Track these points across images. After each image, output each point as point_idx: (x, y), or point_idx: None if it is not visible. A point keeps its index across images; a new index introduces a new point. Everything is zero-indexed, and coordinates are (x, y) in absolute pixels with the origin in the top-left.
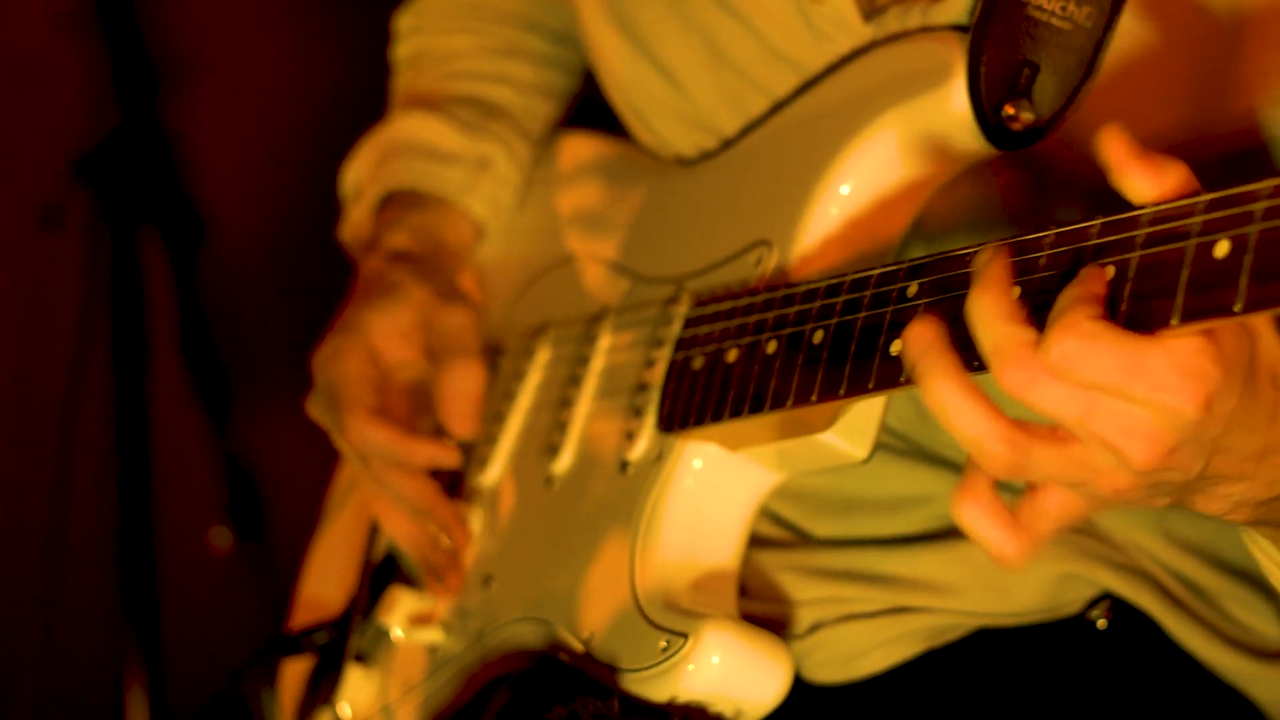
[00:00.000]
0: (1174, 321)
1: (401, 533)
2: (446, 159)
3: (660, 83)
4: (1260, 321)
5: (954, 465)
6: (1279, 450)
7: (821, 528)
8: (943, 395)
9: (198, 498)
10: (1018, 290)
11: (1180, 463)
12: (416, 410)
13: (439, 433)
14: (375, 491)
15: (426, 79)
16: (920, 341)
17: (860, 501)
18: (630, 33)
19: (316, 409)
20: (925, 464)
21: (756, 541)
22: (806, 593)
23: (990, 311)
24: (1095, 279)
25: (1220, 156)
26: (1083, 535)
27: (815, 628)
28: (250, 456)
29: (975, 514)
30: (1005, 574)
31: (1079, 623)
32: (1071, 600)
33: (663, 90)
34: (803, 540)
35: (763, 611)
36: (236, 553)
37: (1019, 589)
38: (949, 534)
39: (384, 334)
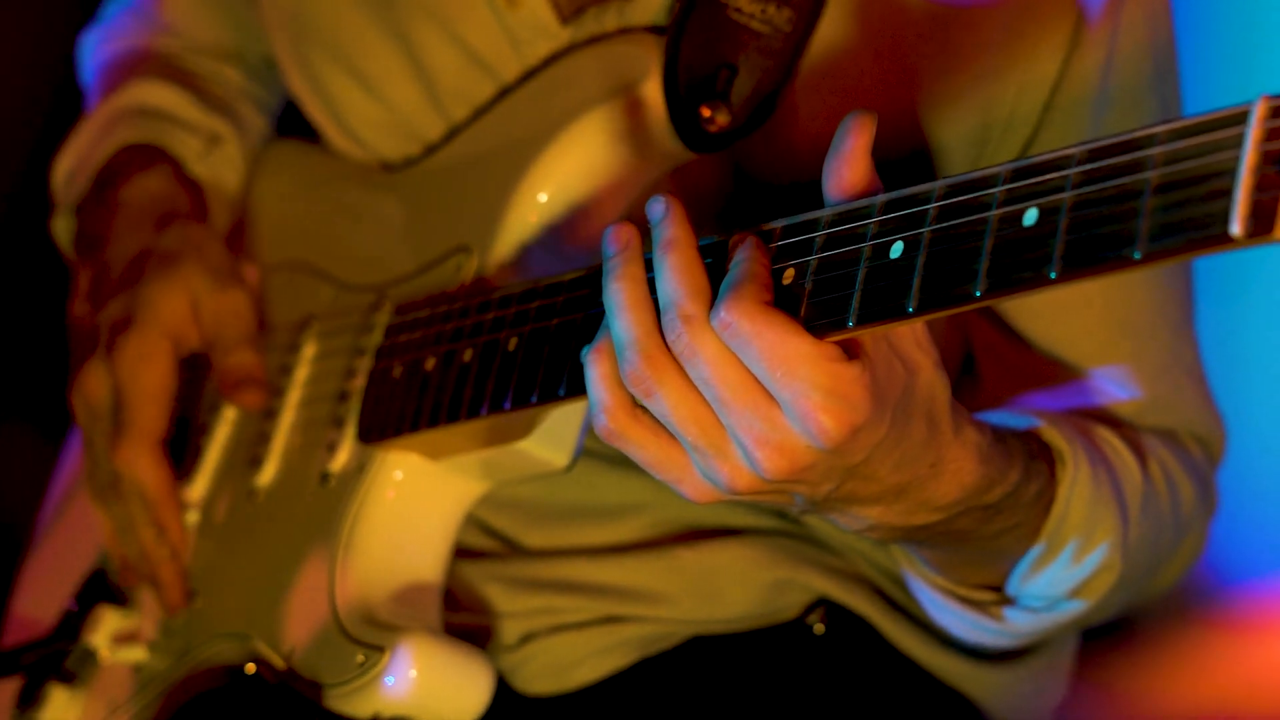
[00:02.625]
0: (851, 323)
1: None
2: (183, 125)
3: (362, 94)
4: (922, 357)
5: None
6: (923, 484)
7: (533, 538)
8: (621, 294)
9: None
10: None
11: (811, 478)
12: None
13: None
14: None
15: (148, 63)
16: (620, 239)
17: (573, 510)
18: (326, 49)
19: (89, 398)
20: (636, 471)
21: (466, 553)
22: (517, 604)
23: (671, 270)
24: (761, 249)
25: (907, 155)
26: (797, 541)
27: (527, 639)
28: None
29: (596, 371)
30: (717, 582)
31: (796, 628)
32: (787, 606)
33: (365, 102)
34: (513, 551)
35: (470, 623)
36: None
37: (731, 596)
38: (661, 543)
39: (179, 321)
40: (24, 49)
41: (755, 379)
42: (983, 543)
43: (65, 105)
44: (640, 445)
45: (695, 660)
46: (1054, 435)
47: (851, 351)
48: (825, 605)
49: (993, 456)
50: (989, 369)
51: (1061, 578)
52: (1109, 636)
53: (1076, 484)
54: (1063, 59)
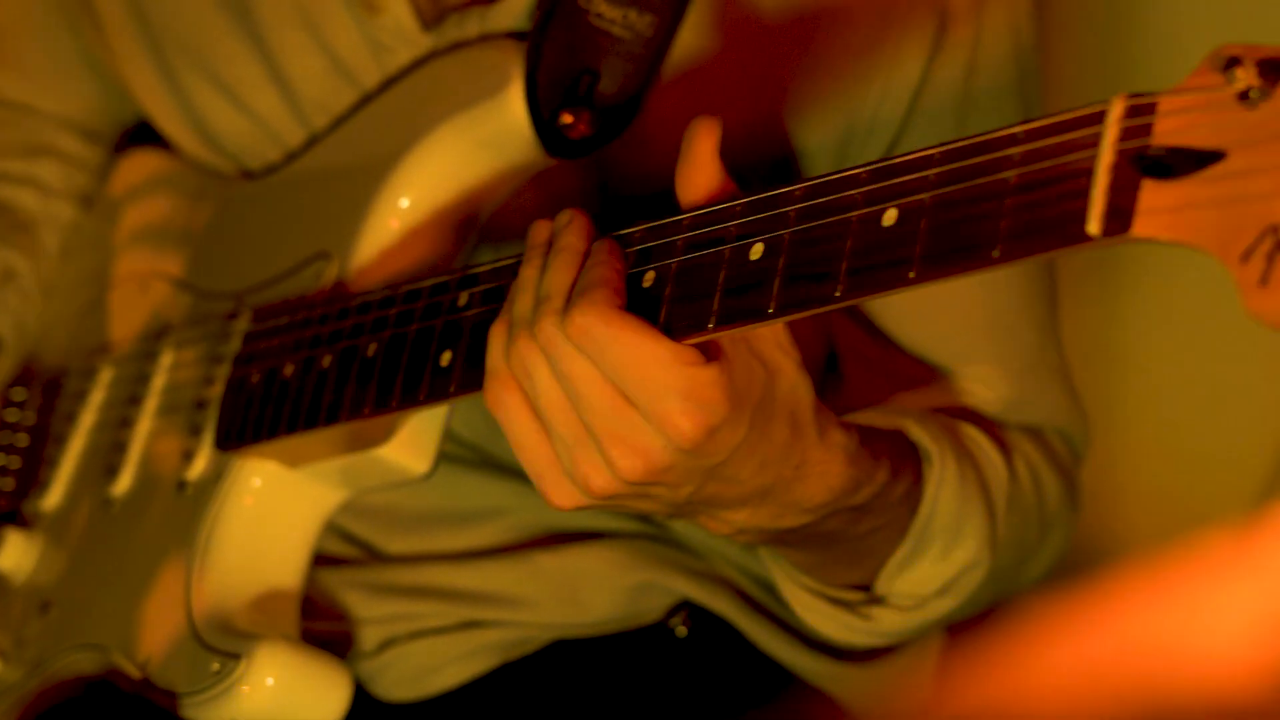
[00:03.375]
0: (711, 325)
1: None
2: None
3: (225, 102)
4: (784, 359)
5: (526, 476)
6: (788, 486)
7: (393, 544)
8: (524, 277)
9: None
10: None
11: (670, 480)
12: None
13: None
14: None
15: None
16: (542, 232)
17: (432, 516)
18: (184, 54)
19: None
20: (497, 476)
21: (325, 560)
22: (376, 610)
23: (555, 268)
24: (615, 254)
25: (772, 160)
26: (659, 543)
27: (387, 645)
28: None
29: (495, 339)
30: (579, 585)
31: (659, 631)
32: (649, 609)
33: (228, 110)
34: (373, 557)
35: (330, 631)
36: None
37: (592, 599)
38: (521, 547)
39: None
40: None
41: (610, 380)
42: (852, 543)
43: None
44: (516, 420)
45: (557, 664)
46: (920, 434)
47: (710, 354)
48: (688, 608)
49: (860, 457)
50: (853, 368)
51: (930, 575)
52: (969, 633)
53: (943, 483)
54: (926, 62)
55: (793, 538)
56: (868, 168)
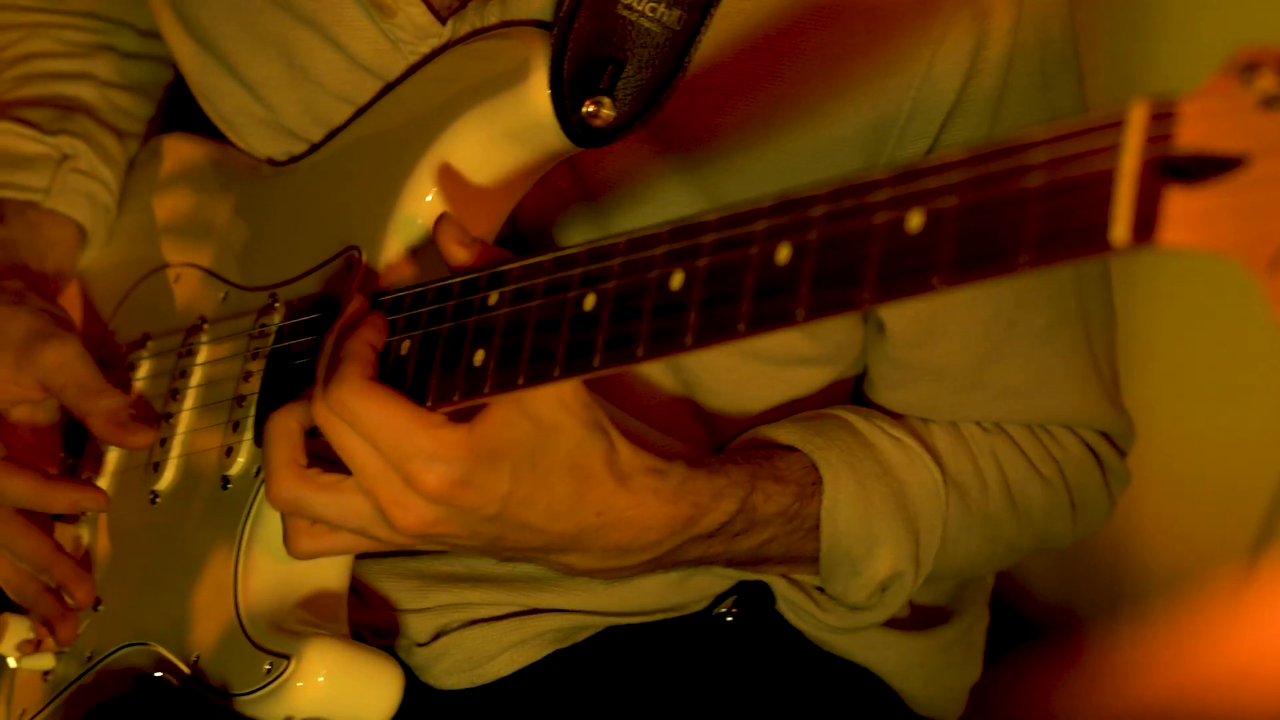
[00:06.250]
0: (456, 397)
1: (8, 582)
2: (23, 163)
3: (242, 93)
4: (567, 418)
5: None
6: (600, 532)
7: None
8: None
9: None
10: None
11: (451, 530)
12: (40, 451)
13: (65, 471)
14: None
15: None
16: (354, 310)
17: None
18: (207, 45)
19: None
20: None
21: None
22: (429, 599)
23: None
24: (376, 327)
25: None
26: None
27: (440, 634)
28: None
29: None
30: None
31: (708, 615)
32: (701, 595)
33: (245, 100)
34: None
35: (381, 621)
36: None
37: (645, 585)
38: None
39: None
40: None
41: (371, 446)
42: (752, 560)
43: None
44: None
45: (608, 651)
46: (815, 452)
47: (469, 414)
48: (738, 591)
49: (683, 494)
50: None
51: (850, 589)
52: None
53: (838, 506)
54: (973, 51)
55: (653, 568)
56: (888, 172)
